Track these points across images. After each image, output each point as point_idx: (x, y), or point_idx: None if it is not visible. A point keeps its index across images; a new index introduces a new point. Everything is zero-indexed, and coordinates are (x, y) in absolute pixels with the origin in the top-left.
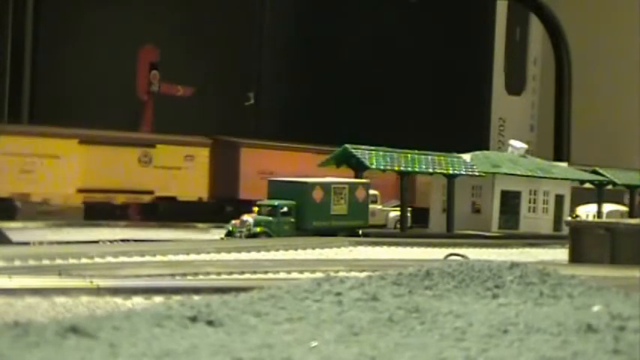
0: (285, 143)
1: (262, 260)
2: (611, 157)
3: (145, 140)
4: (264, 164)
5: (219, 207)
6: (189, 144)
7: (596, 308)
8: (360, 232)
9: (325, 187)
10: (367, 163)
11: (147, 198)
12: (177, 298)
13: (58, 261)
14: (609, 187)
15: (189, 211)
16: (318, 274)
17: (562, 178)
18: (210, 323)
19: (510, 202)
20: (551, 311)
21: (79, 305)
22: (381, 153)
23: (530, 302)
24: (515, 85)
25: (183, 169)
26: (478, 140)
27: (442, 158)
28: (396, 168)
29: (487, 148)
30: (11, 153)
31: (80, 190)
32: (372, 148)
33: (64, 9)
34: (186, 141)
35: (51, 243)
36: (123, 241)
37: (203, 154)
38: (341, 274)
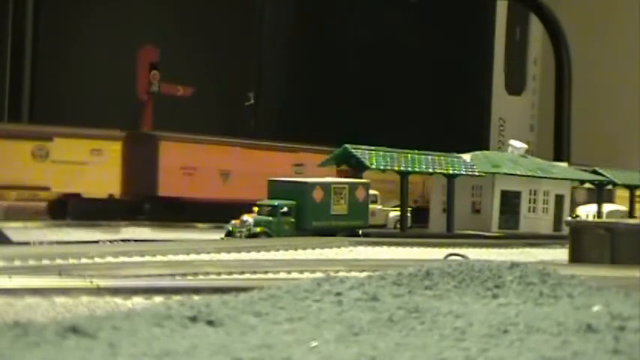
0: (207, 137)
1: (262, 260)
2: (611, 157)
3: (39, 133)
4: (187, 159)
5: (136, 204)
6: (96, 137)
7: (596, 308)
8: (360, 232)
9: (325, 187)
10: (367, 163)
11: (43, 195)
12: (177, 298)
13: (58, 261)
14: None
15: (102, 209)
16: (318, 274)
17: (562, 178)
18: (210, 323)
19: (510, 202)
20: (551, 311)
21: (79, 305)
22: (381, 153)
23: (530, 302)
24: (515, 85)
25: (89, 164)
26: (478, 140)
27: (442, 158)
28: (396, 168)
29: (487, 148)
30: None
31: None
32: (372, 148)
33: (64, 9)
34: (92, 134)
35: (51, 243)
36: (123, 241)
37: (114, 148)
38: (341, 274)
